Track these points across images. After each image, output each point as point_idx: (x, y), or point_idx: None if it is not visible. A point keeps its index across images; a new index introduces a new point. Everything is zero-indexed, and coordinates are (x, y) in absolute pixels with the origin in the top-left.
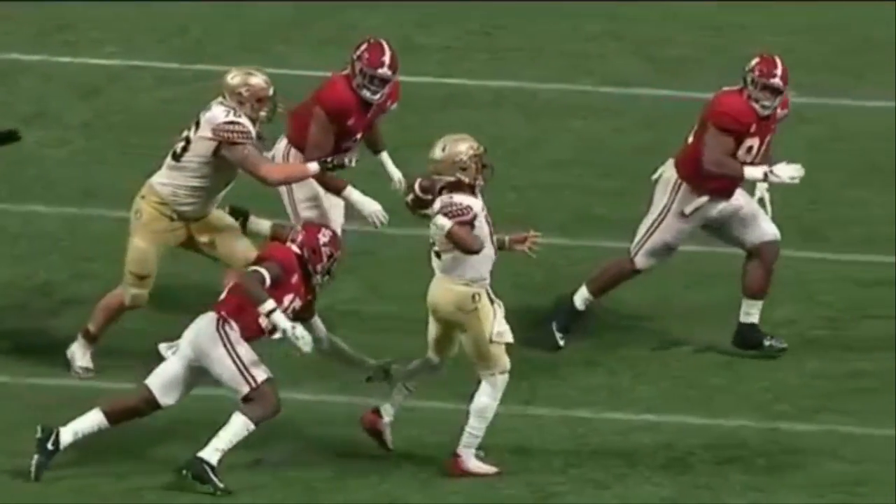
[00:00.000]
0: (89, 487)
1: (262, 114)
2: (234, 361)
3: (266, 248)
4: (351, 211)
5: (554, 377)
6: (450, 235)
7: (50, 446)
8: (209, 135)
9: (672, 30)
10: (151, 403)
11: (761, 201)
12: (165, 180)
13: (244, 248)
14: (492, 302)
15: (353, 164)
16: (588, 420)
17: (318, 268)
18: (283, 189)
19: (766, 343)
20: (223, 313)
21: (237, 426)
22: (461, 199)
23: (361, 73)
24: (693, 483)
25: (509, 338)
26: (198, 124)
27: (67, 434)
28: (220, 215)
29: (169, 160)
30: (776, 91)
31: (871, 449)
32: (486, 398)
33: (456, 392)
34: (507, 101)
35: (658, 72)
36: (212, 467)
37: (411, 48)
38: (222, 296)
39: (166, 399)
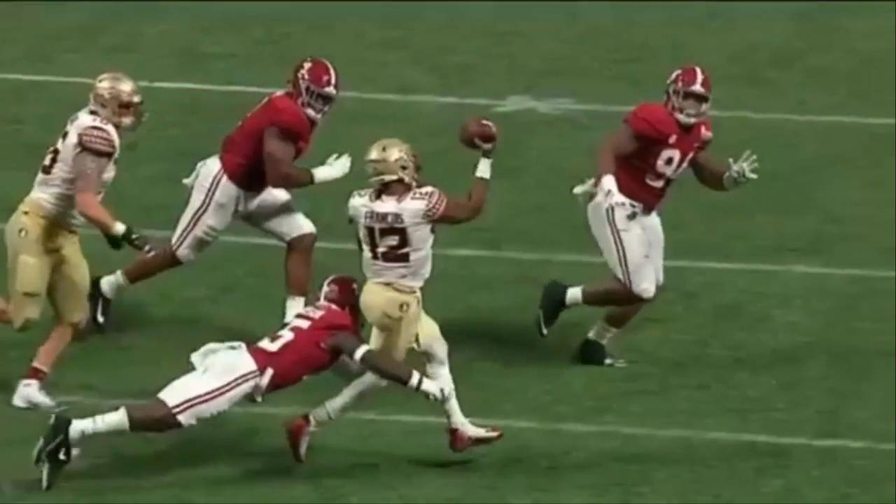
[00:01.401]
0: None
1: (126, 121)
2: (202, 394)
3: (328, 318)
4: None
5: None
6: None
7: (62, 456)
8: (76, 140)
9: (453, 38)
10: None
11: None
12: (41, 194)
13: (80, 309)
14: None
15: (150, 253)
16: (375, 422)
17: (363, 322)
18: (195, 205)
19: (608, 362)
20: (267, 369)
21: (115, 419)
22: (423, 189)
23: (308, 92)
24: (477, 484)
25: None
26: (66, 135)
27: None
28: (83, 270)
29: (40, 175)
30: (699, 98)
31: (651, 449)
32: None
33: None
34: None
35: (441, 79)
36: (66, 440)
37: (197, 56)
38: (275, 347)
39: None
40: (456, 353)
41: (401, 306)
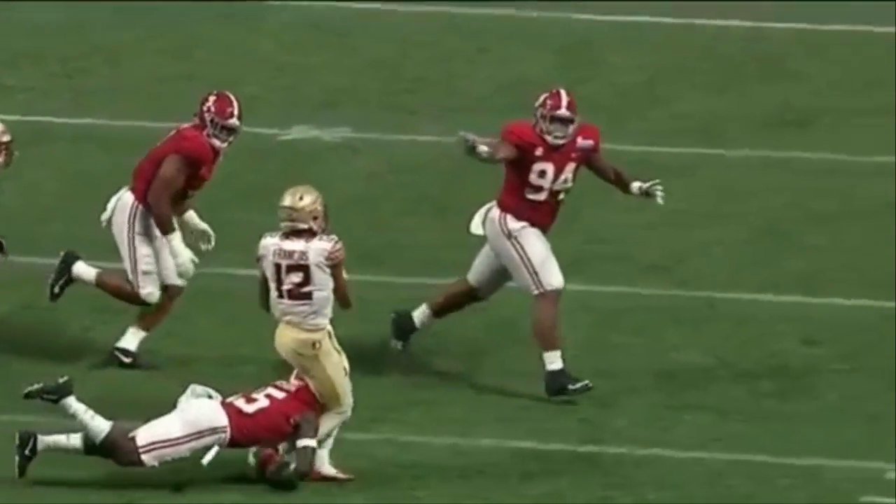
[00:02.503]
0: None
1: None
2: (168, 440)
3: (302, 394)
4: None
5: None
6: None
7: (27, 452)
8: None
9: (240, 70)
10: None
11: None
12: None
13: None
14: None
15: None
16: None
17: None
18: (124, 241)
19: (395, 343)
20: (235, 429)
21: (100, 425)
22: (332, 235)
23: (213, 124)
24: (261, 488)
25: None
26: None
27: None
28: None
29: None
30: (565, 121)
31: (426, 456)
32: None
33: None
34: (87, 137)
35: None
36: (57, 401)
37: None
38: (250, 410)
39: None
40: (242, 367)
41: (313, 345)
